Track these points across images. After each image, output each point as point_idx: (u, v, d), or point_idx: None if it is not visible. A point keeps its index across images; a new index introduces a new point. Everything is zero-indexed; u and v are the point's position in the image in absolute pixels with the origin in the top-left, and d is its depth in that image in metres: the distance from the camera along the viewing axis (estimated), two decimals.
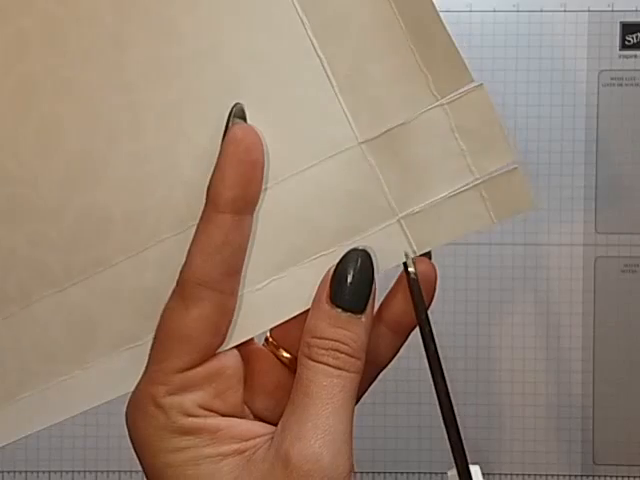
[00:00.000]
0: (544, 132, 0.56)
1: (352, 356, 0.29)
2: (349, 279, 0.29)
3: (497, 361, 0.56)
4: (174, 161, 0.30)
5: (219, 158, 0.28)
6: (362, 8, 0.29)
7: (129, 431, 0.29)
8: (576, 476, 0.57)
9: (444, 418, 0.29)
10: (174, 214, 0.30)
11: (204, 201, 0.29)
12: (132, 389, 0.30)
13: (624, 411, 0.56)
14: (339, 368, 0.28)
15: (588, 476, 0.57)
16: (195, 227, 0.29)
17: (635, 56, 0.55)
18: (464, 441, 0.30)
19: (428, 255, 0.31)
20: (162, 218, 0.30)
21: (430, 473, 0.57)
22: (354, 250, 0.29)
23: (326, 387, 0.28)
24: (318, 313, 0.29)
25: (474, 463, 0.34)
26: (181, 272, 0.29)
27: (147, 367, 0.29)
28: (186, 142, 0.30)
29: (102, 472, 0.56)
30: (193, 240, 0.29)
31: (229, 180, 0.28)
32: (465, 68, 0.29)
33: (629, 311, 0.56)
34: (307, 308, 0.30)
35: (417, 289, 0.30)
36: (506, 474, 0.57)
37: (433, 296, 0.31)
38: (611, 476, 0.56)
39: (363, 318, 0.29)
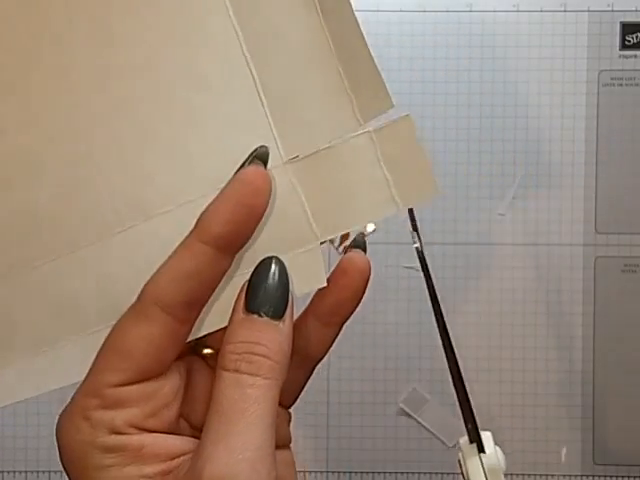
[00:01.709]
0: (544, 132, 0.56)
1: (269, 358, 0.27)
2: (264, 285, 0.28)
3: (497, 361, 0.56)
4: (105, 167, 0.30)
5: (223, 190, 0.28)
6: (295, 25, 0.29)
7: (57, 441, 0.28)
8: (576, 476, 0.57)
9: (455, 386, 0.29)
10: (101, 220, 0.30)
11: (131, 208, 0.29)
12: (45, 391, 0.30)
13: (624, 411, 0.56)
14: (253, 374, 0.27)
15: (588, 476, 0.57)
16: (119, 234, 0.29)
17: (635, 56, 0.55)
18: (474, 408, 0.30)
19: (363, 248, 0.31)
20: (89, 223, 0.30)
21: (430, 473, 0.57)
22: (267, 258, 0.28)
23: (237, 402, 0.26)
24: (233, 324, 0.28)
25: (485, 430, 0.34)
26: (145, 286, 0.28)
27: (86, 377, 0.28)
28: (118, 150, 0.30)
29: None
30: (168, 259, 0.28)
31: (222, 216, 0.27)
32: (387, 93, 0.29)
33: (629, 311, 0.56)
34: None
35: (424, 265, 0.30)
36: (506, 474, 0.57)
37: (365, 288, 0.31)
38: (611, 476, 0.56)
39: (281, 324, 0.28)
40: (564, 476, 0.57)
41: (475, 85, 0.56)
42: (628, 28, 0.55)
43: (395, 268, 0.56)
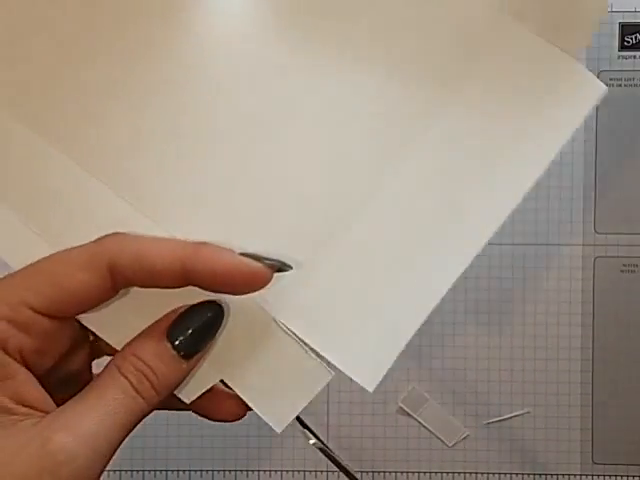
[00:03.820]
0: None
1: (155, 389, 0.28)
2: (192, 328, 0.29)
3: (496, 361, 0.56)
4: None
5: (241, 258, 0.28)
6: None
7: None
8: (575, 475, 0.57)
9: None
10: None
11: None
12: None
13: (623, 411, 0.56)
14: (138, 392, 0.28)
15: (587, 475, 0.57)
16: None
17: (634, 57, 0.55)
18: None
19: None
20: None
21: (430, 472, 0.57)
22: (212, 302, 0.29)
23: (117, 400, 0.27)
24: (150, 338, 0.29)
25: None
26: (106, 238, 0.28)
27: (10, 281, 0.28)
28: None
29: None
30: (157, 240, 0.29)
31: (221, 264, 0.28)
32: None
33: (628, 311, 0.56)
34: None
35: None
36: (505, 473, 0.57)
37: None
38: (610, 475, 0.57)
39: (185, 365, 0.29)
40: (563, 475, 0.57)
41: None
42: (627, 29, 0.55)
43: None
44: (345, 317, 0.31)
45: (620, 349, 0.56)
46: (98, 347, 0.32)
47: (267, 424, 0.31)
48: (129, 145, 0.31)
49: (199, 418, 0.33)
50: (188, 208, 0.31)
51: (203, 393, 0.31)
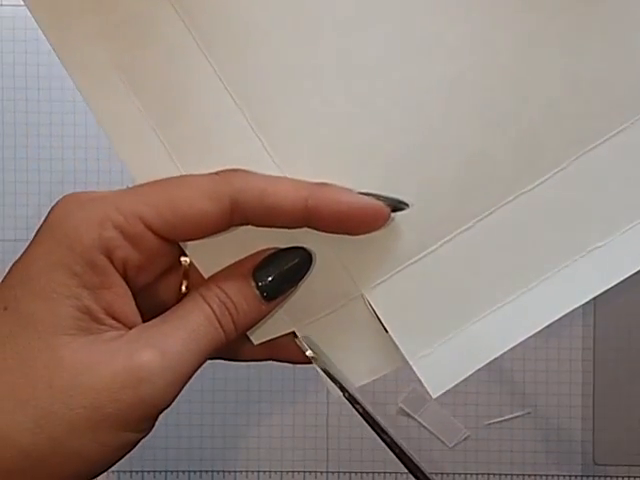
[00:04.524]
0: None
1: (234, 323, 0.28)
2: (278, 271, 0.29)
3: (497, 361, 0.56)
4: None
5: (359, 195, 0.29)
6: None
7: (51, 212, 0.27)
8: (576, 476, 0.57)
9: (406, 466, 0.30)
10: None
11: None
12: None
13: (624, 411, 0.56)
14: (219, 322, 0.28)
15: (588, 476, 0.57)
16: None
17: None
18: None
19: None
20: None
21: (430, 473, 0.57)
22: (299, 249, 0.29)
23: (201, 325, 0.27)
24: (237, 274, 0.29)
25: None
26: (236, 174, 0.28)
27: (128, 194, 0.27)
28: None
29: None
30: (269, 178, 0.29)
31: (340, 204, 0.28)
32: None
33: (629, 311, 0.56)
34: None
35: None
36: (506, 474, 0.57)
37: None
38: (611, 476, 0.56)
39: (264, 306, 0.29)
40: (564, 476, 0.57)
41: None
42: None
43: None
44: (435, 316, 0.30)
45: (621, 349, 0.56)
46: (186, 269, 0.31)
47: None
48: (280, 79, 0.29)
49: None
50: (314, 157, 0.30)
51: (271, 340, 0.31)
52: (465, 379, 0.30)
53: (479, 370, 0.31)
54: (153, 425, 0.28)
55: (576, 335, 0.56)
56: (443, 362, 0.30)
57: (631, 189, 0.30)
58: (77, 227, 0.26)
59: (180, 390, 0.27)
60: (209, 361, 0.32)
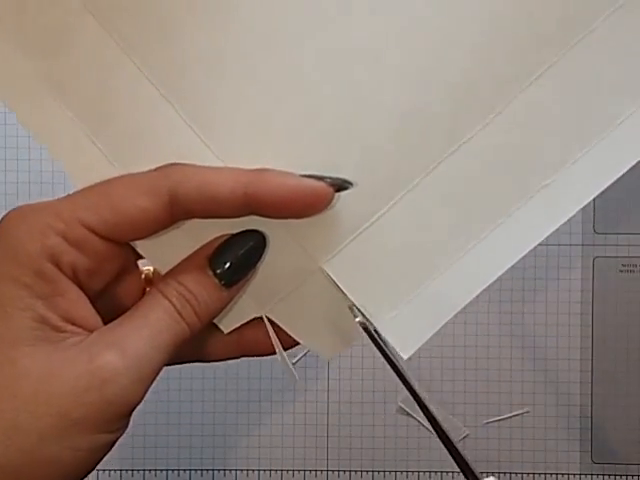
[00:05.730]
0: None
1: (197, 315, 0.28)
2: (234, 256, 0.29)
3: (496, 360, 0.57)
4: None
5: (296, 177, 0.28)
6: None
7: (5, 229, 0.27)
8: (575, 475, 0.57)
9: (443, 442, 0.29)
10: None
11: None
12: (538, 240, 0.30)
13: (622, 410, 0.57)
14: (181, 315, 0.28)
15: (587, 475, 0.57)
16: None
17: None
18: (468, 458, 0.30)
19: None
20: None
21: (430, 472, 0.57)
22: (253, 231, 0.29)
23: (161, 321, 0.27)
24: (193, 265, 0.29)
25: (490, 473, 0.33)
26: (172, 167, 0.28)
27: (67, 199, 0.27)
28: None
29: (103, 470, 0.57)
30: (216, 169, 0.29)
31: (281, 188, 0.28)
32: None
33: (627, 310, 0.56)
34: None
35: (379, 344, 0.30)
36: (505, 472, 0.57)
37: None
38: (609, 475, 0.57)
39: (225, 293, 0.29)
40: (563, 475, 0.57)
41: None
42: None
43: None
44: (395, 278, 0.30)
45: (619, 349, 0.56)
46: (148, 276, 0.32)
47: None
48: (203, 65, 0.29)
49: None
50: (251, 141, 0.30)
51: (240, 326, 0.31)
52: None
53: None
54: (127, 423, 0.27)
55: (574, 334, 0.57)
56: (410, 321, 0.30)
57: (568, 125, 0.29)
58: (20, 238, 0.26)
59: (148, 387, 0.27)
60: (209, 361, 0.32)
